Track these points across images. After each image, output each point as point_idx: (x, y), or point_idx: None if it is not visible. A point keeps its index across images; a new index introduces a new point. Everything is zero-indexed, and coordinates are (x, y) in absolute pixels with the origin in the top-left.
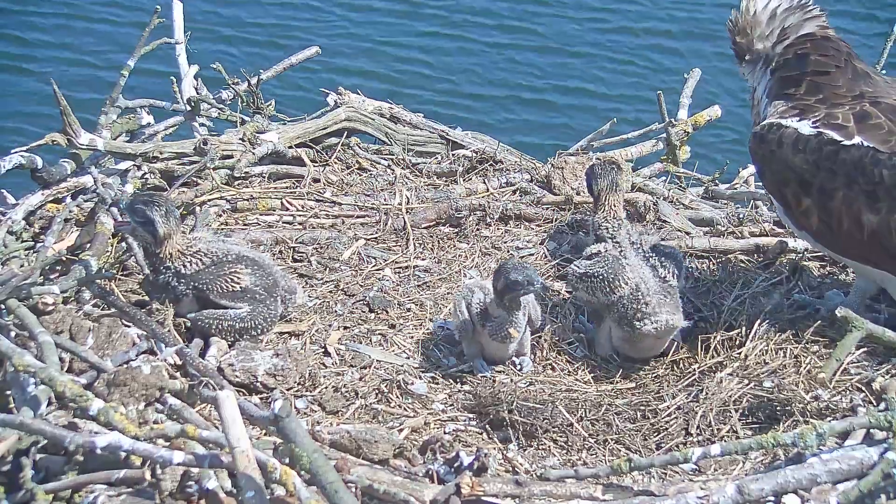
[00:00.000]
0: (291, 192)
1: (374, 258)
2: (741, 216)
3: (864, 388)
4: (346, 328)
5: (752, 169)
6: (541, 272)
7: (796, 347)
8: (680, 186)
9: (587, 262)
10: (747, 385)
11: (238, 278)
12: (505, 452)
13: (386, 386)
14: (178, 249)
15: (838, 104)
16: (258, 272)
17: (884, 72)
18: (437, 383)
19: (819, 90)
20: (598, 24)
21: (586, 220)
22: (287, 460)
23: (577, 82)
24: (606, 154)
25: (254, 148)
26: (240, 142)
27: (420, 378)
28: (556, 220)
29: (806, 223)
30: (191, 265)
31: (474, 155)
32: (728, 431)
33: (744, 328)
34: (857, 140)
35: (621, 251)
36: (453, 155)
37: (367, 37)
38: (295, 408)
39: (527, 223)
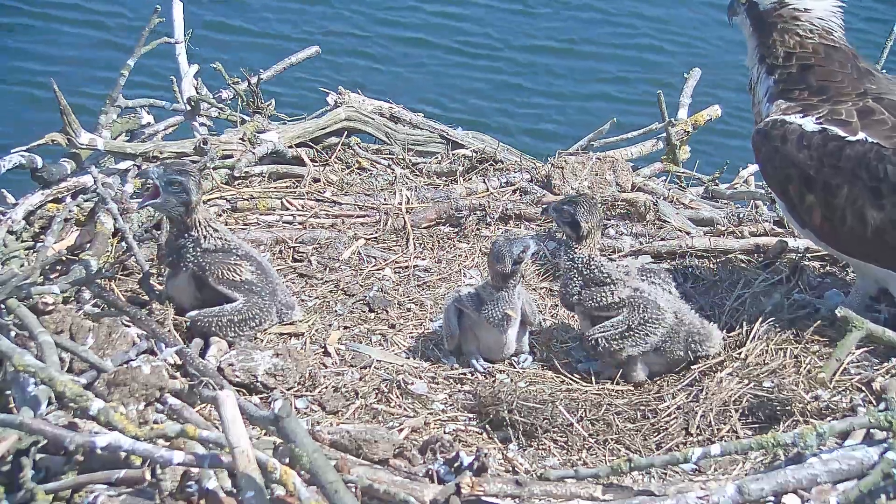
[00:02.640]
0: (291, 192)
1: (374, 258)
2: (741, 216)
3: (864, 388)
4: (346, 328)
5: (752, 168)
6: (540, 272)
7: (796, 347)
8: (680, 186)
9: (613, 321)
10: (747, 385)
11: (240, 270)
12: (505, 452)
13: (386, 386)
14: (204, 216)
15: (841, 101)
16: (260, 276)
17: (884, 70)
18: (437, 383)
19: (823, 91)
20: (599, 23)
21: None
22: (287, 460)
23: (578, 81)
24: (607, 154)
25: (254, 147)
26: (240, 141)
27: (420, 378)
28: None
29: (809, 220)
30: (209, 240)
31: (474, 155)
32: (728, 431)
33: (744, 328)
34: (861, 136)
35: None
36: (453, 155)
37: (367, 36)
38: (295, 408)
39: (527, 223)
